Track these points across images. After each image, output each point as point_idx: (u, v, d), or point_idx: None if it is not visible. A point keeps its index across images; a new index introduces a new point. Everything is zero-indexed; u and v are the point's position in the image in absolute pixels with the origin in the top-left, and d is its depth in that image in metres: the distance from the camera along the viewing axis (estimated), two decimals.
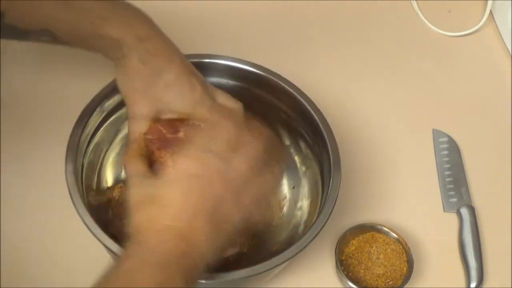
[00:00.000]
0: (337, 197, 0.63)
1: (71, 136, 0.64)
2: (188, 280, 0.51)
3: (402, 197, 0.79)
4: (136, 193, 0.56)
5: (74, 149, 0.63)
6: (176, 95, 0.62)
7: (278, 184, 0.63)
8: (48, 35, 0.58)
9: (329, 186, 0.64)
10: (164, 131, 0.62)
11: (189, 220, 0.53)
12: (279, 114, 0.73)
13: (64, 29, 0.58)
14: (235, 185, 0.55)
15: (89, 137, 0.67)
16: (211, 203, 0.54)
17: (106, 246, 0.58)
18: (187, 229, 0.52)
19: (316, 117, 0.69)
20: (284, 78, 0.71)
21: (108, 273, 0.50)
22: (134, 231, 0.53)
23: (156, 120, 0.62)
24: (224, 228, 0.54)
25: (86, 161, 0.66)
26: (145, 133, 0.62)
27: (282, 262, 0.60)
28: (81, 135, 0.64)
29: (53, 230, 0.72)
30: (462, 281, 0.73)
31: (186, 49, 0.66)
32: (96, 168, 0.70)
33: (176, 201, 0.54)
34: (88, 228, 0.59)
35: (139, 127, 0.63)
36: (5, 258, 0.69)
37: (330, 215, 0.62)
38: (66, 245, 0.71)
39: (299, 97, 0.70)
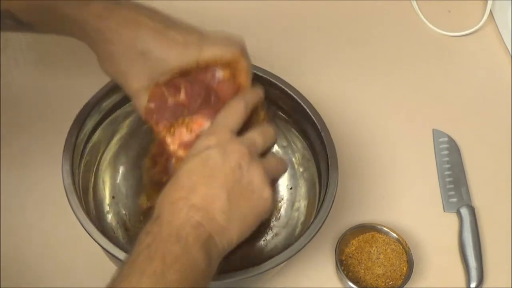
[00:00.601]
0: (334, 197, 0.63)
1: (68, 136, 0.64)
2: (208, 256, 0.51)
3: (402, 197, 0.79)
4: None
5: (71, 149, 0.63)
6: (158, 58, 0.59)
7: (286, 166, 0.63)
8: (10, 18, 0.57)
9: (326, 186, 0.64)
10: (166, 92, 0.60)
11: (204, 190, 0.52)
12: (276, 114, 0.73)
13: (25, 10, 0.57)
14: (254, 158, 0.55)
15: (86, 137, 0.67)
16: (229, 175, 0.53)
17: (101, 246, 0.59)
18: (201, 199, 0.52)
19: (314, 118, 0.69)
20: (281, 79, 0.71)
21: (131, 251, 0.50)
22: (155, 209, 0.53)
23: (156, 85, 0.61)
24: (243, 204, 0.54)
25: (83, 161, 0.67)
26: (148, 100, 0.61)
27: (280, 263, 0.60)
28: (78, 135, 0.64)
29: (52, 230, 0.72)
30: (462, 281, 0.73)
31: None
32: (93, 168, 0.70)
33: (190, 172, 0.54)
34: (84, 227, 0.59)
35: (143, 101, 0.61)
36: (5, 258, 0.69)
37: (328, 215, 0.62)
38: (66, 245, 0.71)
39: (296, 97, 0.70)
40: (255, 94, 0.62)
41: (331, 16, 0.96)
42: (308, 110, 0.69)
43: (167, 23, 0.60)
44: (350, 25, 0.95)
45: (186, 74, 0.60)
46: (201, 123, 0.61)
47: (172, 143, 0.60)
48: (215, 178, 0.53)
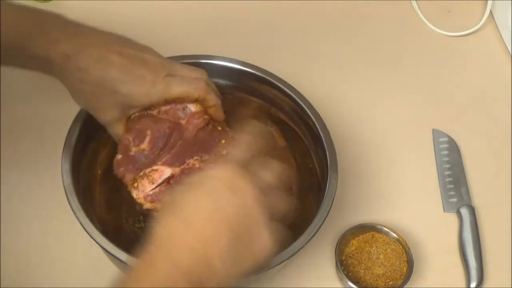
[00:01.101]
0: (334, 197, 0.63)
1: (68, 135, 0.64)
2: None
3: (402, 197, 0.79)
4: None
5: (71, 148, 0.63)
6: (127, 95, 0.61)
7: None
8: None
9: (326, 186, 0.64)
10: (132, 143, 0.63)
11: (205, 229, 0.48)
12: (276, 114, 0.73)
13: None
14: (266, 201, 0.50)
15: (86, 136, 0.66)
16: (234, 211, 0.49)
17: (101, 246, 0.59)
18: (201, 239, 0.48)
19: (313, 118, 0.69)
20: (281, 79, 0.71)
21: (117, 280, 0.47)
22: (153, 242, 0.49)
23: (128, 118, 0.63)
24: (243, 248, 0.49)
25: (83, 160, 0.66)
26: (118, 150, 0.63)
27: (280, 263, 0.60)
28: (78, 134, 0.64)
29: (52, 230, 0.72)
30: (462, 281, 0.73)
31: (184, 49, 0.66)
32: (94, 168, 0.70)
33: (194, 204, 0.49)
34: (84, 227, 0.59)
35: (118, 130, 0.63)
36: (5, 258, 0.69)
37: (327, 215, 0.62)
38: (66, 245, 0.71)
39: (296, 97, 0.70)
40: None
41: (331, 16, 0.96)
42: (307, 110, 0.69)
43: (135, 59, 0.61)
44: (350, 25, 0.95)
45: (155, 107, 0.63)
46: (161, 172, 0.62)
47: (137, 197, 0.62)
48: (220, 215, 0.48)
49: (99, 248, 0.59)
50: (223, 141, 0.65)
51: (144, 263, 0.48)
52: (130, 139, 0.63)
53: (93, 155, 0.69)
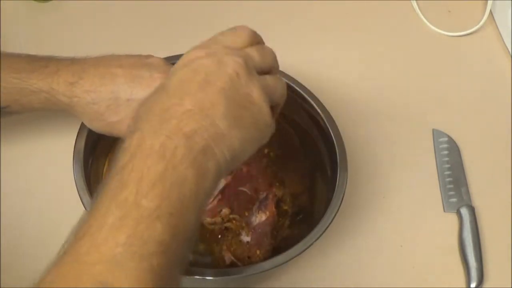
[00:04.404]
0: (343, 196, 0.63)
1: (78, 134, 0.64)
2: (202, 171, 0.42)
3: (402, 197, 0.79)
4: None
5: (81, 147, 0.64)
6: (143, 97, 0.60)
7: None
8: None
9: (335, 185, 0.64)
10: None
11: (200, 95, 0.45)
12: (281, 111, 0.73)
13: None
14: (252, 72, 0.48)
15: (95, 137, 0.66)
16: (226, 81, 0.46)
17: None
18: (198, 104, 0.44)
19: (322, 115, 0.69)
20: (289, 76, 0.72)
21: (104, 178, 0.43)
22: (131, 123, 0.45)
23: None
24: (244, 113, 0.47)
25: (93, 160, 0.67)
26: None
27: (282, 263, 0.60)
28: (87, 134, 0.64)
29: (52, 230, 0.72)
30: (462, 281, 0.73)
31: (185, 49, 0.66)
32: (103, 168, 0.70)
33: (180, 81, 0.46)
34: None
35: None
36: (5, 258, 0.69)
37: (336, 214, 0.62)
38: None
39: (305, 95, 0.71)
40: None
41: (332, 15, 0.96)
42: (318, 109, 0.70)
43: (138, 65, 0.61)
44: (350, 25, 0.95)
45: None
46: None
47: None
48: (211, 84, 0.46)
49: None
50: None
51: (131, 139, 0.43)
52: None
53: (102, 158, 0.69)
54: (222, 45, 0.50)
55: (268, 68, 0.52)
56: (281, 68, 0.71)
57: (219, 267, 0.65)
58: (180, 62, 0.49)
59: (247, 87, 0.47)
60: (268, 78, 0.51)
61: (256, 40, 0.53)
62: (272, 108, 0.51)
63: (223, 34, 0.52)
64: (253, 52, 0.50)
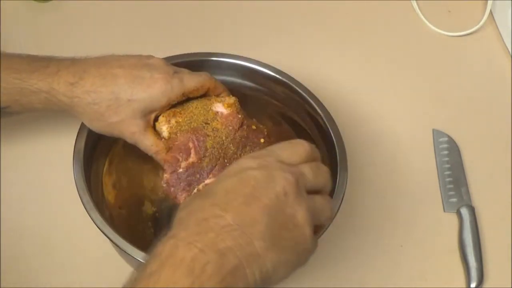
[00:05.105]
0: (343, 196, 0.63)
1: (78, 134, 0.64)
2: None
3: (402, 197, 0.79)
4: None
5: (81, 147, 0.63)
6: (146, 99, 0.61)
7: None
8: None
9: (335, 185, 0.64)
10: (179, 157, 0.61)
11: (243, 210, 0.44)
12: (283, 113, 0.73)
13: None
14: (302, 192, 0.48)
15: (95, 137, 0.66)
16: (272, 199, 0.46)
17: (117, 245, 0.58)
18: (238, 219, 0.44)
19: (323, 115, 0.69)
20: (289, 76, 0.72)
21: (132, 276, 0.44)
22: (173, 226, 0.46)
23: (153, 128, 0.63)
24: (284, 235, 0.46)
25: (93, 161, 0.66)
26: (164, 171, 0.61)
27: None
28: (87, 134, 0.64)
29: (52, 230, 0.72)
30: (462, 281, 0.73)
31: (189, 48, 0.66)
32: (103, 168, 0.69)
33: (227, 190, 0.46)
34: (97, 226, 0.59)
35: (148, 141, 0.62)
36: (5, 258, 0.69)
37: (335, 214, 0.62)
38: (66, 245, 0.71)
39: (305, 95, 0.70)
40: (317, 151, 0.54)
41: (332, 16, 0.96)
42: (317, 108, 0.70)
43: (138, 66, 0.62)
44: (350, 25, 0.95)
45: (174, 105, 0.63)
46: None
47: None
48: (257, 199, 0.45)
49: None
50: (261, 140, 0.65)
51: (165, 245, 0.44)
52: (178, 155, 0.61)
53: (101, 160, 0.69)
54: (276, 159, 0.49)
55: (320, 188, 0.51)
56: (281, 68, 0.73)
57: None
58: (230, 169, 0.49)
59: (292, 208, 0.46)
60: (317, 199, 0.50)
61: (312, 157, 0.52)
62: (316, 228, 0.50)
63: (280, 147, 0.51)
64: (307, 170, 0.50)
